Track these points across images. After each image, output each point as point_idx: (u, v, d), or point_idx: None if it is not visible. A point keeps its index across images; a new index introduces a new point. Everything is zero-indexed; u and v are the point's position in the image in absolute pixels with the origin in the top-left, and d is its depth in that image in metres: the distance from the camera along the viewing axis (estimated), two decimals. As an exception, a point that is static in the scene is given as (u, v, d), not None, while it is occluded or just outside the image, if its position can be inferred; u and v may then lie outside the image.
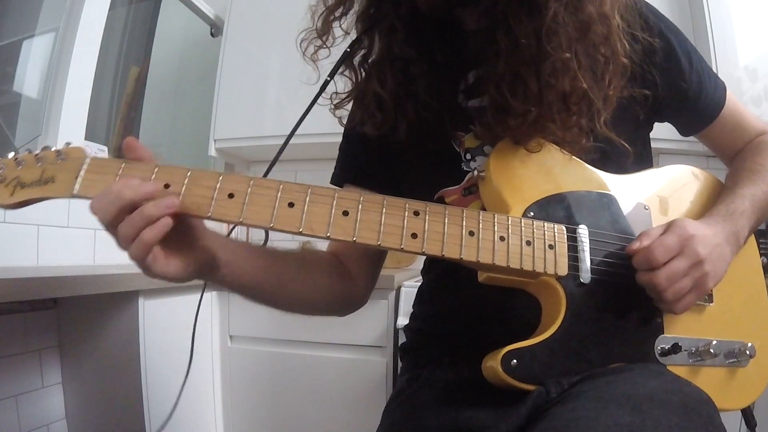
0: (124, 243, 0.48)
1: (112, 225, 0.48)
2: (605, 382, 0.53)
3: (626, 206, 0.63)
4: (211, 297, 1.52)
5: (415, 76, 0.63)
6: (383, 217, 0.52)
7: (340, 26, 0.67)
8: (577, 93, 0.57)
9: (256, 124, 1.91)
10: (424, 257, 0.80)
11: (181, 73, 2.23)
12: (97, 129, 1.75)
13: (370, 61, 0.69)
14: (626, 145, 0.63)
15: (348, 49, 0.68)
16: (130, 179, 0.49)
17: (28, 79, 1.51)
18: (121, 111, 1.88)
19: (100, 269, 1.23)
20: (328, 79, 0.70)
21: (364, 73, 0.70)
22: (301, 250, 0.73)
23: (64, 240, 1.42)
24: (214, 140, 1.96)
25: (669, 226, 0.58)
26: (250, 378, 1.52)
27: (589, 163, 0.64)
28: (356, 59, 0.69)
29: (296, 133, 0.71)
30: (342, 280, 0.75)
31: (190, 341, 1.39)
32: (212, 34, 2.18)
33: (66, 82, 1.47)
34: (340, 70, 0.70)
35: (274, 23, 1.84)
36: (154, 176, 0.51)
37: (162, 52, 2.03)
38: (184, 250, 0.53)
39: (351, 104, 0.73)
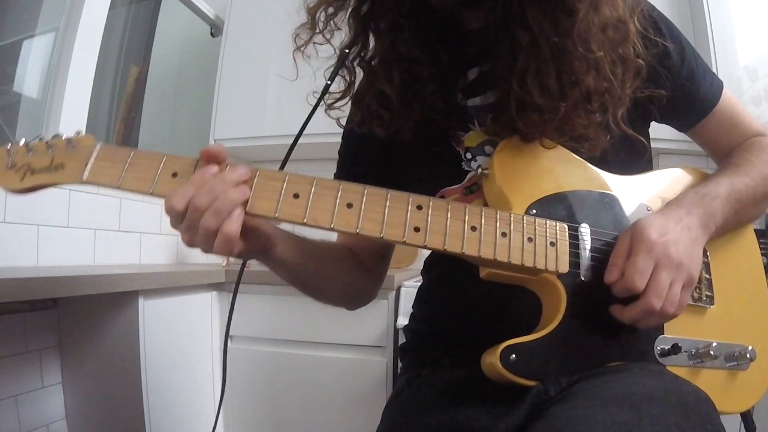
0: (206, 242, 0.50)
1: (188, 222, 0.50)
2: (604, 381, 0.53)
3: (628, 207, 0.63)
4: (210, 297, 1.52)
5: (423, 76, 0.63)
6: (387, 209, 0.53)
7: (333, 22, 0.67)
8: (599, 90, 0.58)
9: (256, 124, 1.91)
10: (424, 258, 0.80)
11: (181, 73, 2.24)
12: (97, 129, 1.75)
13: (367, 58, 0.68)
14: (644, 140, 0.64)
15: (347, 50, 0.67)
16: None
17: (28, 79, 1.51)
18: (121, 111, 1.88)
19: (100, 269, 1.23)
20: (329, 83, 0.69)
21: (360, 72, 0.69)
22: (324, 242, 0.74)
23: (64, 240, 1.42)
24: (214, 140, 1.95)
25: (632, 241, 0.56)
26: (250, 378, 1.52)
27: (591, 161, 0.63)
28: (350, 57, 0.68)
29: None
30: (360, 272, 0.77)
31: (190, 341, 1.39)
32: (212, 34, 2.19)
33: (66, 82, 1.47)
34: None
35: (274, 23, 1.84)
36: (162, 165, 0.52)
37: (162, 52, 2.04)
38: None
39: (348, 105, 0.72)
